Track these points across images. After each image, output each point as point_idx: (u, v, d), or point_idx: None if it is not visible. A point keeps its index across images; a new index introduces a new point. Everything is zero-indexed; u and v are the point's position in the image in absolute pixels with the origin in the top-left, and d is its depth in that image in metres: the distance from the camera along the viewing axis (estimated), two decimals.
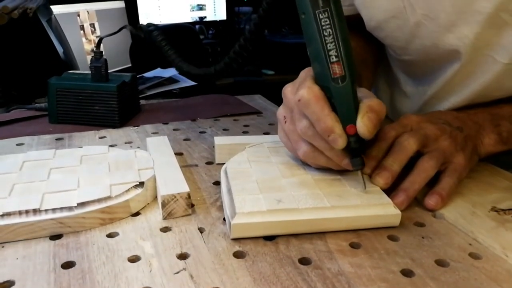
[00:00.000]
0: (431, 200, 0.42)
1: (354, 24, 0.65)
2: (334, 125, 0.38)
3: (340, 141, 0.38)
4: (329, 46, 0.37)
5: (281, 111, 0.45)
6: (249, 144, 0.51)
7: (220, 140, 0.52)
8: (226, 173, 0.44)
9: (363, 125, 0.38)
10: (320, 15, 0.36)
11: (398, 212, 0.39)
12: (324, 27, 0.37)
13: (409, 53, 0.58)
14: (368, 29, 0.61)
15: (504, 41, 0.49)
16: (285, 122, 0.44)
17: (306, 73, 0.42)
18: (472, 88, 0.55)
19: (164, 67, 1.11)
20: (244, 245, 0.36)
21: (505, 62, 0.50)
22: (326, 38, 0.37)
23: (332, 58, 0.37)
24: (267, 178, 0.43)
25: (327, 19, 0.36)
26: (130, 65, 1.94)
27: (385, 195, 0.40)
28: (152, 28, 0.61)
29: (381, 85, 0.76)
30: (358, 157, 0.40)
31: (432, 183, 0.44)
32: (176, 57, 0.60)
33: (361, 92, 0.42)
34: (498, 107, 0.54)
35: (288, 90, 0.44)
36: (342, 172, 0.44)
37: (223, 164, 0.47)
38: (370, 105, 0.39)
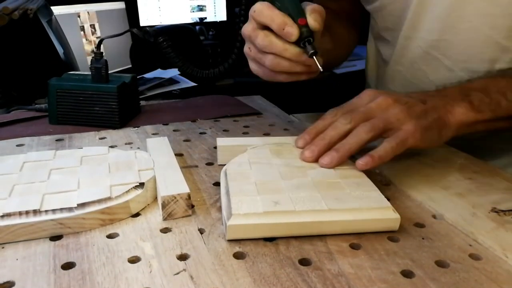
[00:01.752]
0: (361, 160, 0.44)
1: None
2: (285, 18, 0.47)
3: (293, 30, 0.47)
4: None
5: (247, 28, 0.51)
6: (251, 146, 0.50)
7: (222, 141, 0.52)
8: (226, 174, 0.44)
9: (313, 20, 0.47)
10: None
11: (397, 216, 0.38)
12: None
13: None
14: None
15: None
16: (250, 50, 0.52)
17: None
18: (435, 15, 0.58)
19: (164, 68, 1.11)
20: (244, 246, 0.36)
21: None
22: None
23: None
24: (266, 180, 0.42)
25: None
26: (130, 66, 1.94)
27: (384, 199, 0.40)
28: (158, 30, 0.61)
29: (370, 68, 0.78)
30: (310, 44, 0.47)
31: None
32: (183, 64, 0.62)
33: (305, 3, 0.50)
34: (469, 82, 0.55)
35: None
36: (342, 175, 0.43)
37: (225, 165, 0.47)
38: (313, 8, 0.48)
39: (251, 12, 0.49)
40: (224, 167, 0.46)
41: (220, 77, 0.61)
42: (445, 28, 0.58)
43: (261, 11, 0.48)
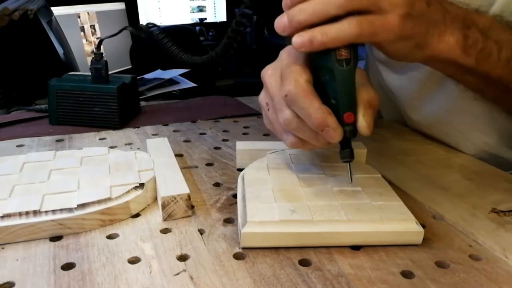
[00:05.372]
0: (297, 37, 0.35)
1: None
2: (327, 118, 0.35)
3: (336, 135, 0.36)
4: None
5: (262, 97, 0.42)
6: (270, 150, 0.49)
7: (241, 145, 0.51)
8: (243, 179, 0.43)
9: (366, 125, 0.36)
10: None
11: (420, 229, 0.36)
12: None
13: None
14: None
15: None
16: (268, 109, 0.41)
17: (288, 55, 0.38)
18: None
19: (164, 68, 1.11)
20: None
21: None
22: None
23: None
24: (284, 186, 0.41)
25: None
26: (130, 66, 1.94)
27: (407, 210, 0.38)
28: (151, 26, 0.61)
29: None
30: (347, 149, 0.38)
31: None
32: (179, 51, 0.60)
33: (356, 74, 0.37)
34: (477, 13, 0.45)
35: (268, 74, 0.40)
36: (363, 184, 0.42)
37: (242, 169, 0.46)
38: (369, 101, 0.37)
39: (282, 92, 0.37)
40: (242, 172, 0.45)
41: (216, 62, 0.56)
42: None
43: (295, 99, 0.36)
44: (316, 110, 0.35)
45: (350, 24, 0.34)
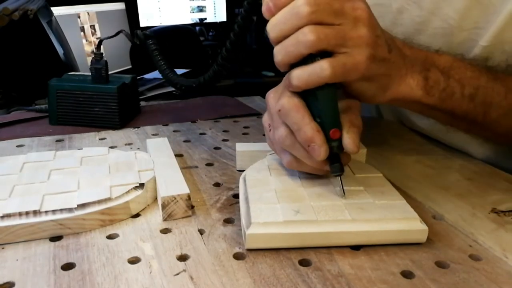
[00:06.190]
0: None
1: None
2: (314, 134, 0.37)
3: (321, 152, 0.37)
4: None
5: (265, 119, 0.44)
6: (270, 151, 0.48)
7: (241, 147, 0.51)
8: (244, 181, 0.43)
9: (351, 141, 0.37)
10: None
11: (425, 227, 0.36)
12: None
13: None
14: None
15: (488, 23, 0.48)
16: (270, 130, 0.42)
17: (285, 77, 0.40)
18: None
19: None
20: (244, 246, 0.36)
21: (484, 44, 0.48)
22: None
23: None
24: (286, 187, 0.41)
25: None
26: (130, 66, 1.94)
27: (411, 209, 0.38)
28: (147, 34, 0.61)
29: None
30: (337, 163, 0.39)
31: None
32: (166, 68, 0.60)
33: (341, 102, 0.39)
34: (437, 54, 0.47)
35: (271, 97, 0.42)
36: (365, 183, 0.42)
37: (243, 170, 0.46)
38: (350, 120, 0.38)
39: (277, 106, 0.39)
40: (243, 173, 0.45)
41: (204, 87, 0.57)
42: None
43: (288, 113, 0.38)
44: (305, 125, 0.37)
45: (322, 68, 0.36)
